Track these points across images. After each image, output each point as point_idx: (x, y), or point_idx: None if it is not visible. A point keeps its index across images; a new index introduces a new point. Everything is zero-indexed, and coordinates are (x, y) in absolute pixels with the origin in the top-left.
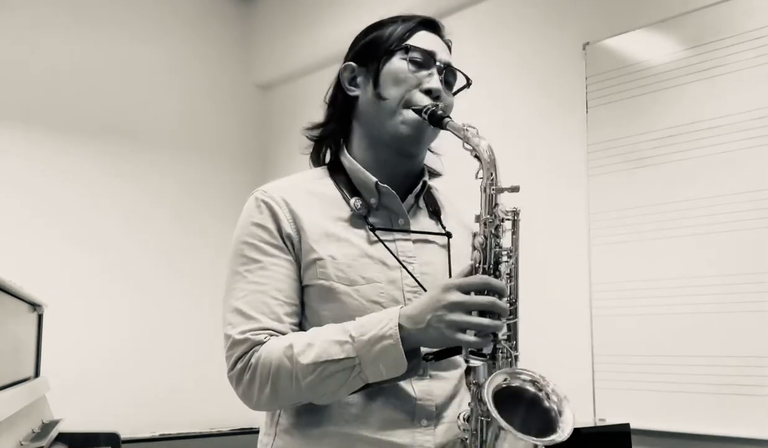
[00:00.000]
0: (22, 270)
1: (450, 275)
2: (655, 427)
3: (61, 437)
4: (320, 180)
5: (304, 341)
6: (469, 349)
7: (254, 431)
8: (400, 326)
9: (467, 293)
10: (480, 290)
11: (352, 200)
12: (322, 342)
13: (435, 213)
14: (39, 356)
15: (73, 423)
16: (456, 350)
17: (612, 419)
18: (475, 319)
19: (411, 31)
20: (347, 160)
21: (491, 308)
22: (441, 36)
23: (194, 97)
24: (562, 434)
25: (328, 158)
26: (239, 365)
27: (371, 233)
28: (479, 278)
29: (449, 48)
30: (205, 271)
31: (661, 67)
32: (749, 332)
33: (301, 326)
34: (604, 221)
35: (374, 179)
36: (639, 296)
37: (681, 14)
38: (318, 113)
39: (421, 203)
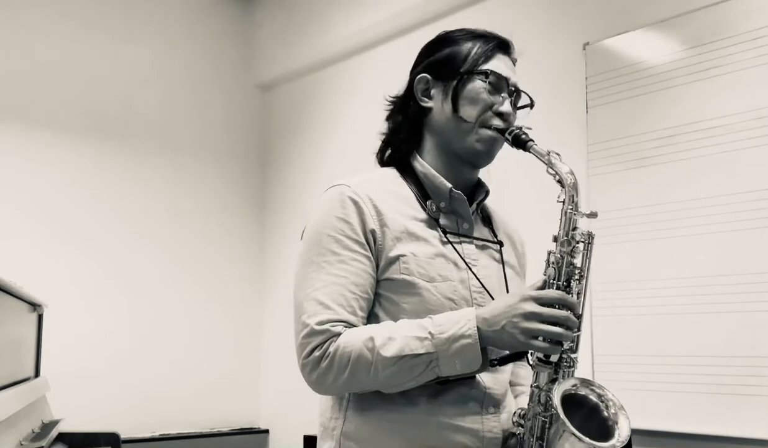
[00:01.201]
0: (22, 270)
1: (506, 281)
2: (655, 427)
3: (61, 437)
4: (394, 180)
5: (384, 335)
6: (537, 356)
7: (254, 431)
8: (477, 327)
9: (543, 305)
10: (555, 304)
11: (428, 203)
12: (402, 337)
13: (488, 221)
14: (39, 356)
15: (73, 423)
16: (517, 357)
17: None
18: (549, 328)
19: (489, 55)
20: (420, 164)
21: (565, 322)
22: (511, 56)
23: (194, 97)
24: (619, 439)
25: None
26: (317, 353)
27: (443, 235)
28: (556, 293)
29: (514, 65)
30: (205, 270)
31: (661, 67)
32: (749, 332)
33: (374, 317)
34: (604, 221)
35: (449, 185)
36: (639, 296)
37: (681, 14)
38: (317, 114)
39: (478, 211)
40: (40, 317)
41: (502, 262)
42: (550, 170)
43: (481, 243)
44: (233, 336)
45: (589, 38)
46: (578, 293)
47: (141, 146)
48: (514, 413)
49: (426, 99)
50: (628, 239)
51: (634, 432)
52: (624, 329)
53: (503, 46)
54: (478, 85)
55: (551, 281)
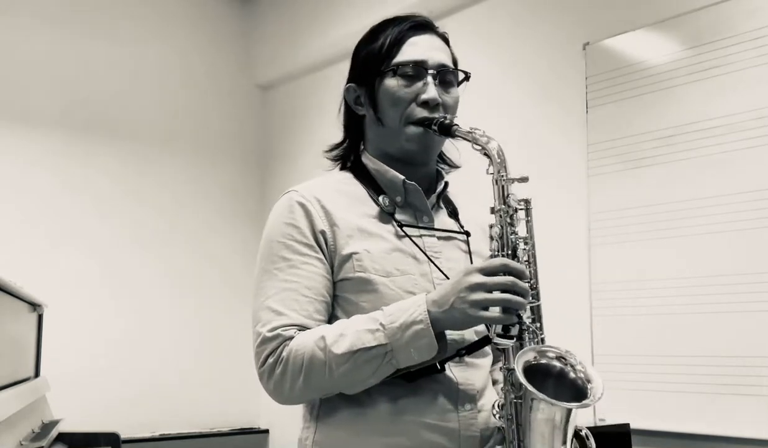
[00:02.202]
0: (22, 270)
1: None
2: (655, 427)
3: (61, 437)
4: (346, 180)
5: (335, 332)
6: (496, 332)
7: (254, 431)
8: (428, 310)
9: (487, 274)
10: (499, 272)
11: (380, 198)
12: (354, 332)
13: (454, 213)
14: (39, 356)
15: (73, 423)
16: (483, 343)
17: (612, 419)
18: (496, 295)
19: (400, 42)
20: (371, 161)
21: (512, 287)
22: (435, 32)
23: (194, 97)
24: (595, 397)
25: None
26: (270, 360)
27: (399, 229)
28: (498, 260)
29: (447, 40)
30: (205, 270)
31: (661, 67)
32: (749, 332)
33: (334, 320)
34: (604, 221)
35: (401, 177)
36: (639, 296)
37: (681, 14)
38: (317, 114)
39: (441, 204)
40: (40, 317)
41: (470, 252)
42: (476, 146)
43: (444, 235)
44: (233, 336)
45: (589, 38)
46: (527, 261)
47: (140, 147)
48: (493, 405)
49: (359, 107)
50: (628, 239)
51: (634, 432)
52: (624, 329)
53: (419, 27)
54: (390, 83)
55: (497, 253)
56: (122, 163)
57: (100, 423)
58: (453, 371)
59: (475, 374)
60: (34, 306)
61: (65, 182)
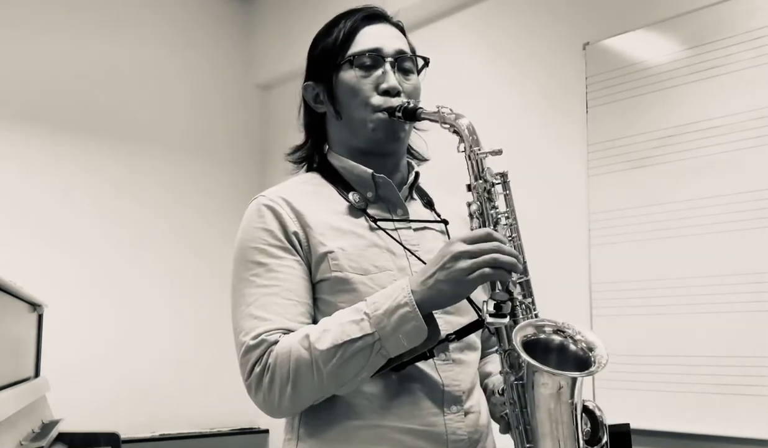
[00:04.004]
0: (22, 270)
1: None
2: (655, 427)
3: (61, 437)
4: (314, 180)
5: (319, 329)
6: (489, 311)
7: (254, 431)
8: (412, 291)
9: (472, 243)
10: (484, 240)
11: (350, 194)
12: (337, 325)
13: (429, 204)
14: (39, 356)
15: (73, 423)
16: (475, 326)
17: (612, 419)
18: (483, 258)
19: (354, 33)
20: (337, 159)
21: (497, 250)
22: (389, 21)
23: (194, 97)
24: (600, 364)
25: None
26: (257, 369)
27: (372, 224)
28: (482, 230)
29: (402, 29)
30: (205, 271)
31: (661, 67)
32: (749, 332)
33: (315, 323)
34: (604, 221)
35: (370, 171)
36: (639, 296)
37: (681, 14)
38: None
39: (415, 195)
40: (40, 317)
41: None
42: (444, 125)
43: (420, 226)
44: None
45: (589, 38)
46: (511, 236)
47: (139, 148)
48: (493, 392)
49: (319, 105)
50: (628, 239)
51: (634, 432)
52: (624, 329)
53: (372, 17)
54: (348, 75)
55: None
56: (122, 163)
57: (100, 423)
58: (438, 370)
59: (462, 372)
60: (34, 306)
61: (65, 182)
